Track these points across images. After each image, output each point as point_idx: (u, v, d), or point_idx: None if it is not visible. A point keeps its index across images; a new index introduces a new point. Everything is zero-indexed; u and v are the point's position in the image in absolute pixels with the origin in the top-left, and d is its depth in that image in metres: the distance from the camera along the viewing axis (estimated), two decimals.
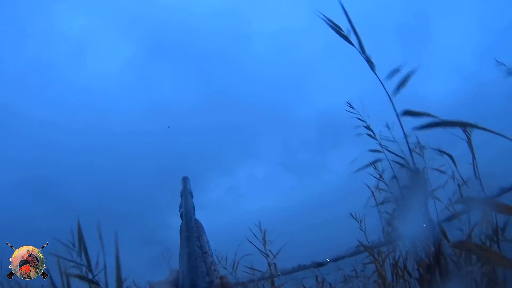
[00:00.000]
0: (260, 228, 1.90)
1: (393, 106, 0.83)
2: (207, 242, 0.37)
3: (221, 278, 0.33)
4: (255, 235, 1.88)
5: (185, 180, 0.56)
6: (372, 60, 0.86)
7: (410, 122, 0.82)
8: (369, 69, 0.87)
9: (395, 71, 0.86)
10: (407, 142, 0.83)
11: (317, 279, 1.92)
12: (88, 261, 1.10)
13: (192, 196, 0.51)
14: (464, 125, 0.72)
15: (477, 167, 1.07)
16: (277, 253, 1.90)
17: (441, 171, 1.08)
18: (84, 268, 1.11)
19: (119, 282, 1.00)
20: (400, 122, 0.83)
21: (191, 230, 0.35)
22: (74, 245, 1.13)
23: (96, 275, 1.09)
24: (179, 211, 0.46)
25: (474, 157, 1.07)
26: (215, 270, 0.31)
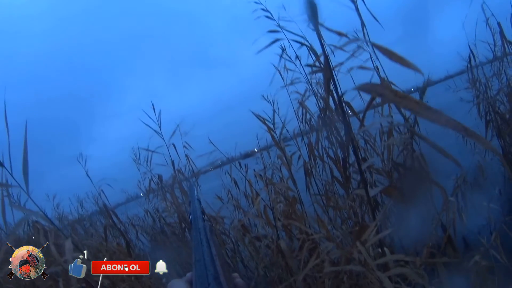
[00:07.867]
0: (154, 110, 1.90)
1: None
2: (218, 244, 0.42)
3: (233, 278, 0.38)
4: (150, 117, 1.92)
5: (191, 188, 0.63)
6: None
7: None
8: None
9: None
10: None
11: (240, 166, 2.12)
12: None
13: (200, 202, 0.56)
14: None
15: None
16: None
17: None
18: None
19: (25, 163, 1.08)
20: None
21: (200, 237, 0.39)
22: None
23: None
24: (189, 217, 0.51)
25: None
26: (226, 271, 0.35)
